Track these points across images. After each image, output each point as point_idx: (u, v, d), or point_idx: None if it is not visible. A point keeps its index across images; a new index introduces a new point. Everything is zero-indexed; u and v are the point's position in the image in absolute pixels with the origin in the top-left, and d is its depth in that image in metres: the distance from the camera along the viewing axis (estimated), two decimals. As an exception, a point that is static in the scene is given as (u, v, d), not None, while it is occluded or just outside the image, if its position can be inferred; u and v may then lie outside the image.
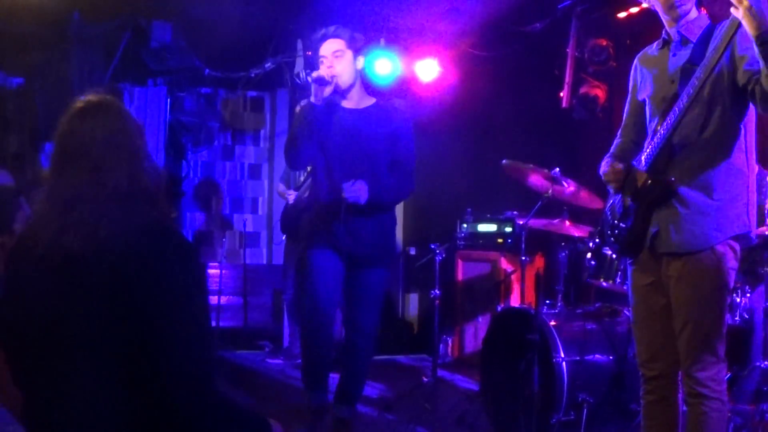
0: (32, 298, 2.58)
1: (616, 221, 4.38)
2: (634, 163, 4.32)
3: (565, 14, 8.16)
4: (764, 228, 5.74)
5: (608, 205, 4.52)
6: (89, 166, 2.63)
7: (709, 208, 4.06)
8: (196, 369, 2.53)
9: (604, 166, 4.44)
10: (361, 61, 5.78)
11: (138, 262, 2.50)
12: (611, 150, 4.59)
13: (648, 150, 4.21)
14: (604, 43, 7.88)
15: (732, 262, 4.10)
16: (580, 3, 7.87)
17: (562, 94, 8.00)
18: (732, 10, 3.75)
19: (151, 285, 2.49)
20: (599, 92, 7.98)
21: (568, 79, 7.97)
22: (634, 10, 4.20)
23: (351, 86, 5.74)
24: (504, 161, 6.37)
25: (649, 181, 4.18)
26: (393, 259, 6.97)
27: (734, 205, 4.10)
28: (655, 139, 4.15)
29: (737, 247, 4.13)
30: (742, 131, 4.13)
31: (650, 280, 4.25)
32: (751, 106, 4.09)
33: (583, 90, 8.03)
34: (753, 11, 3.65)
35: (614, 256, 5.37)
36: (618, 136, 4.65)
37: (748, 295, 5.72)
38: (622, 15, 7.81)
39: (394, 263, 9.28)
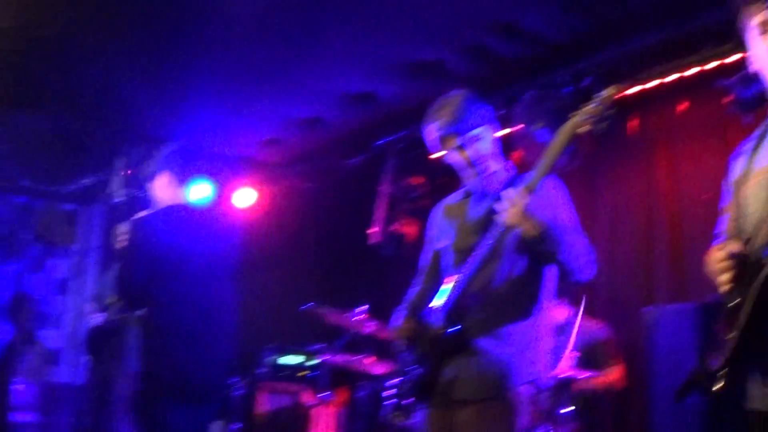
0: None
1: (410, 367, 4.24)
2: (430, 312, 4.20)
3: (382, 151, 8.18)
4: (562, 369, 5.76)
5: (403, 352, 4.36)
6: None
7: (501, 356, 3.99)
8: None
9: (397, 320, 4.35)
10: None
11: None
12: (408, 298, 4.50)
13: (444, 300, 4.11)
14: (418, 181, 7.87)
15: (525, 408, 4.01)
16: (397, 141, 7.92)
17: (374, 229, 7.91)
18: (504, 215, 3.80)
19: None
20: (410, 230, 7.93)
21: (380, 215, 7.89)
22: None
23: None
24: (307, 306, 6.50)
25: (444, 332, 4.07)
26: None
27: (526, 353, 4.04)
28: (451, 291, 4.08)
29: (530, 392, 4.05)
30: (540, 282, 4.11)
31: (442, 427, 4.10)
32: None
33: (394, 227, 7.96)
34: (528, 213, 3.74)
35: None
36: (415, 284, 4.57)
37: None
38: (437, 155, 7.81)
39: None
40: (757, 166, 2.90)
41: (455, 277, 4.10)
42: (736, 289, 2.65)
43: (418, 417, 4.19)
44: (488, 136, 4.26)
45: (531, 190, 3.79)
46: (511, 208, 3.76)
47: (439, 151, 4.30)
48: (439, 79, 6.91)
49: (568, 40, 6.50)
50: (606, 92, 3.72)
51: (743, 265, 2.64)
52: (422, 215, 5.72)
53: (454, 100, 4.22)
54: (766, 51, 2.69)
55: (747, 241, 2.71)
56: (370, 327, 6.29)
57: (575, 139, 3.80)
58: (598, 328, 6.57)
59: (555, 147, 3.81)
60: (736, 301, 2.61)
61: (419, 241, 7.85)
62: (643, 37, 6.31)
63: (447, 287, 4.14)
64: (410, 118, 7.61)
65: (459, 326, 4.05)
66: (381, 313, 6.97)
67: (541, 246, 3.84)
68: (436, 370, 4.10)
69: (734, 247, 2.68)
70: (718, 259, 2.70)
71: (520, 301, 4.08)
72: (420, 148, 7.75)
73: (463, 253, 4.12)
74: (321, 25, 6.23)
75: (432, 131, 4.23)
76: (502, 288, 4.07)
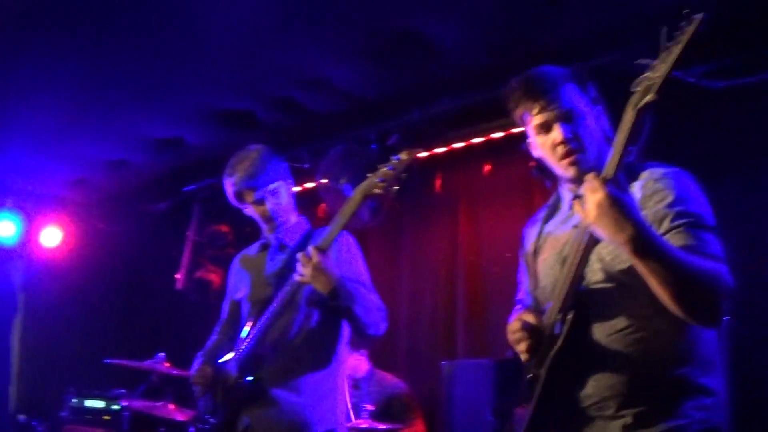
0: None
1: (206, 416, 4.22)
2: (227, 361, 4.20)
3: (189, 197, 8.07)
4: (359, 421, 5.77)
5: (202, 399, 4.32)
6: None
7: (297, 408, 4.01)
8: None
9: (194, 367, 4.33)
10: None
11: None
12: (206, 346, 4.49)
13: (241, 350, 4.13)
14: (224, 229, 7.83)
15: None
16: (204, 188, 7.80)
17: (179, 275, 7.78)
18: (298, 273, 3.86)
19: None
20: (215, 277, 7.86)
21: (185, 261, 7.81)
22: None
23: None
24: (107, 361, 6.34)
25: (240, 382, 4.08)
26: None
27: (323, 405, 4.07)
28: (248, 341, 4.09)
29: None
30: (337, 333, 4.17)
31: None
32: None
33: (199, 274, 7.87)
34: (321, 271, 3.80)
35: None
36: (214, 333, 4.58)
37: None
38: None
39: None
40: (548, 237, 3.03)
41: (251, 328, 4.11)
42: (532, 360, 2.77)
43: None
44: (284, 191, 4.33)
45: (323, 250, 3.85)
46: (305, 266, 3.81)
47: (238, 204, 4.33)
48: (248, 129, 6.90)
49: (376, 98, 6.57)
50: (402, 156, 3.82)
51: (538, 337, 2.76)
52: (227, 263, 5.71)
53: (251, 154, 4.27)
54: (543, 145, 2.92)
55: (544, 312, 2.82)
56: (171, 373, 6.19)
57: (372, 198, 3.87)
58: (396, 382, 6.60)
59: (348, 207, 3.90)
60: (530, 375, 2.74)
61: (222, 289, 7.81)
62: (451, 99, 6.44)
63: (243, 337, 4.14)
64: (218, 165, 7.52)
65: (253, 377, 4.05)
66: (184, 359, 6.84)
67: (335, 301, 3.88)
68: (231, 420, 4.07)
69: (528, 318, 2.79)
70: (512, 329, 2.83)
71: (317, 351, 4.12)
72: (226, 195, 7.73)
73: (259, 305, 4.15)
74: (127, 67, 6.08)
75: (229, 185, 4.26)
76: (298, 339, 4.10)
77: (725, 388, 2.70)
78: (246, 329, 4.17)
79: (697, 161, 5.68)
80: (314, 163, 6.80)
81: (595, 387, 2.66)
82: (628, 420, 2.61)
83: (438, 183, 7.12)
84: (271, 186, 4.25)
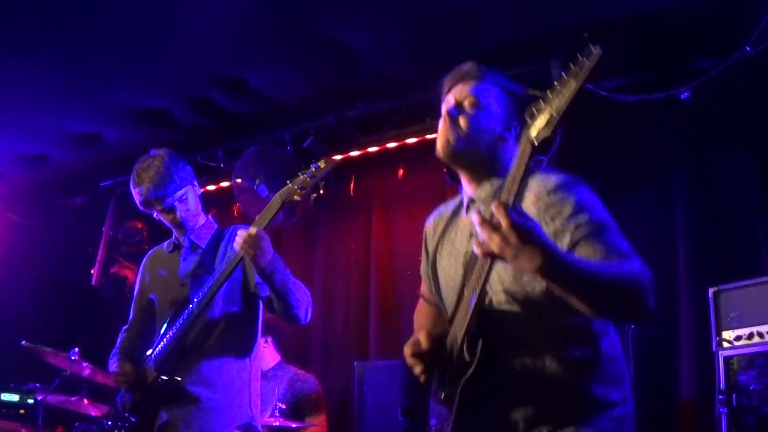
0: None
1: (126, 414, 4.20)
2: (146, 359, 4.20)
3: (106, 193, 7.95)
4: (272, 419, 5.71)
5: (119, 396, 4.33)
6: None
7: (215, 403, 4.05)
8: None
9: (112, 365, 4.32)
10: None
11: None
12: (118, 345, 4.50)
13: (158, 349, 4.13)
14: (139, 225, 7.73)
15: None
16: (120, 184, 7.67)
17: (93, 271, 7.63)
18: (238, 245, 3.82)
19: None
20: (129, 273, 7.76)
21: (100, 257, 7.71)
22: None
23: None
24: (23, 342, 6.18)
25: (159, 380, 4.07)
26: None
27: (239, 399, 4.12)
28: (165, 340, 4.10)
29: None
30: (255, 326, 4.23)
31: None
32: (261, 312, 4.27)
33: (114, 269, 7.76)
34: (260, 242, 3.79)
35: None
36: (124, 330, 4.58)
37: None
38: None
39: None
40: (446, 243, 2.98)
41: (168, 328, 4.11)
42: (438, 379, 2.78)
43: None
44: (192, 195, 4.30)
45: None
46: (245, 240, 3.77)
47: (146, 211, 4.32)
48: (164, 127, 6.84)
49: (292, 100, 6.56)
50: (320, 164, 3.83)
51: (438, 356, 2.75)
52: (141, 260, 5.66)
53: (155, 162, 4.21)
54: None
55: (435, 336, 2.80)
56: (85, 368, 6.14)
57: (291, 204, 3.87)
58: (306, 378, 6.54)
59: (267, 213, 3.88)
60: (443, 395, 2.72)
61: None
62: (366, 104, 6.43)
63: (161, 336, 4.14)
64: (134, 162, 7.43)
65: (170, 375, 4.04)
66: (98, 355, 6.71)
67: (272, 276, 3.87)
68: (150, 417, 4.06)
69: (422, 341, 2.76)
70: (406, 353, 2.80)
71: (234, 348, 4.14)
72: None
73: (175, 305, 4.16)
74: (47, 63, 5.96)
75: (136, 195, 4.25)
76: (215, 337, 4.11)
77: (632, 398, 2.70)
78: (163, 328, 4.16)
79: (607, 172, 5.80)
80: (229, 163, 6.75)
81: (506, 407, 2.67)
82: None
83: (352, 186, 7.08)
84: (179, 193, 4.21)
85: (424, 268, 3.18)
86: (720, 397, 4.33)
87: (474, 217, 2.24)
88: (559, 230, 2.56)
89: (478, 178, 2.84)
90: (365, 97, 6.39)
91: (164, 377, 4.06)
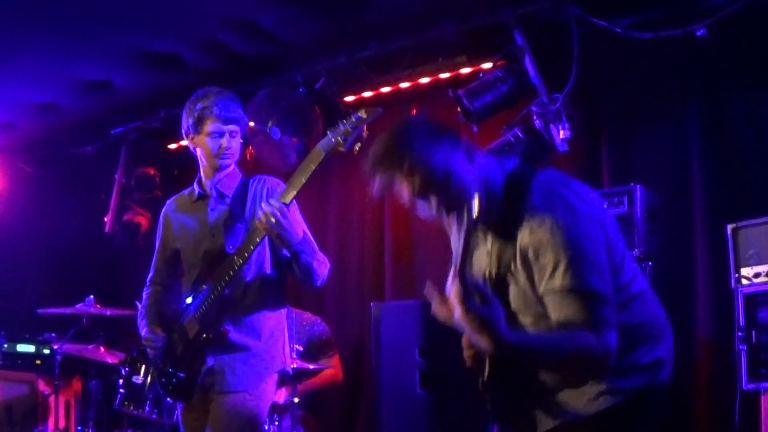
0: None
1: (170, 369, 4.21)
2: (185, 313, 4.22)
3: (117, 140, 7.89)
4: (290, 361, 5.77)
5: (156, 350, 4.30)
6: None
7: (259, 350, 4.14)
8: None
9: (142, 328, 4.36)
10: None
11: None
12: (145, 303, 4.48)
13: (198, 302, 4.15)
14: (152, 171, 7.65)
15: (272, 394, 4.26)
16: (132, 131, 7.65)
17: (106, 219, 7.62)
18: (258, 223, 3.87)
19: None
20: (143, 220, 7.73)
21: (113, 204, 7.68)
22: (184, 142, 4.22)
23: None
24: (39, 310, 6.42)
25: (204, 334, 4.10)
26: None
27: (276, 345, 4.22)
28: (205, 292, 4.11)
29: (276, 379, 4.29)
30: (284, 277, 4.27)
31: (198, 417, 4.18)
32: None
33: (127, 216, 7.74)
34: (287, 225, 3.84)
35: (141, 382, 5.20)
36: (148, 285, 4.54)
37: (276, 422, 5.89)
38: (173, 146, 7.72)
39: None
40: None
41: (205, 280, 4.13)
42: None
43: (153, 403, 4.38)
44: (239, 139, 4.26)
45: (286, 204, 3.86)
46: (270, 224, 3.80)
47: (192, 132, 4.20)
48: (175, 72, 6.77)
49: (304, 41, 6.45)
50: (361, 114, 3.88)
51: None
52: (154, 206, 5.65)
53: (224, 91, 4.21)
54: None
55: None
56: (103, 312, 6.21)
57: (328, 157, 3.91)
58: (315, 320, 6.57)
59: (310, 164, 3.89)
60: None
61: (150, 232, 7.72)
62: (378, 44, 6.34)
63: (197, 288, 4.17)
64: (146, 107, 7.42)
65: (213, 328, 4.07)
66: (112, 301, 6.73)
67: (298, 257, 3.96)
68: (192, 369, 4.12)
69: None
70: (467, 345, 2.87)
71: (271, 295, 4.20)
72: (154, 138, 7.60)
73: (208, 255, 4.17)
74: (55, 9, 5.87)
75: (195, 110, 4.14)
76: (254, 285, 4.15)
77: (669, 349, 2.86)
78: (198, 280, 4.18)
79: (622, 110, 5.75)
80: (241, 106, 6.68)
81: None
82: None
83: (364, 127, 6.99)
84: (233, 127, 4.18)
85: None
86: (739, 334, 4.32)
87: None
88: (541, 271, 2.64)
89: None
90: (377, 36, 6.28)
91: (210, 331, 4.08)
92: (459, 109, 5.74)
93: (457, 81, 6.13)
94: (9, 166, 8.82)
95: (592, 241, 2.63)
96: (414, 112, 6.78)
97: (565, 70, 5.45)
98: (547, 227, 2.61)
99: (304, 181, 3.88)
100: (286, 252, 4.05)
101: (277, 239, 3.91)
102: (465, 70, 6.08)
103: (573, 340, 2.58)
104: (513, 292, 2.76)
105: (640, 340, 2.74)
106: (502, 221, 2.73)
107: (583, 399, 2.72)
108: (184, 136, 4.30)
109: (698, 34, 5.15)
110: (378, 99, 6.66)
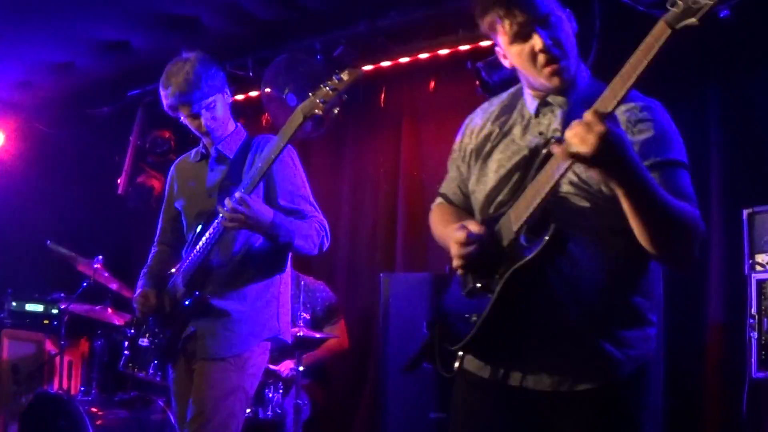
0: None
1: (157, 329, 4.26)
2: (173, 277, 4.24)
3: (133, 102, 7.88)
4: (296, 329, 5.76)
5: (143, 314, 4.31)
6: None
7: (241, 315, 4.06)
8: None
9: (139, 286, 4.36)
10: None
11: None
12: (149, 263, 4.48)
13: (186, 264, 4.15)
14: (167, 135, 7.65)
15: (262, 363, 4.18)
16: (148, 93, 7.58)
17: (120, 181, 7.61)
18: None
19: None
20: (156, 183, 7.73)
21: (127, 166, 7.69)
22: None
23: None
24: (48, 243, 6.27)
25: (187, 296, 4.11)
26: None
27: (266, 311, 4.14)
28: (193, 253, 4.10)
29: (269, 347, 4.20)
30: (271, 248, 4.15)
31: (185, 383, 4.14)
32: None
33: (140, 179, 7.74)
34: (251, 220, 3.82)
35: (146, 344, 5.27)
36: (155, 244, 4.56)
37: (281, 391, 5.88)
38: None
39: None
40: (503, 138, 2.80)
41: (196, 241, 4.12)
42: (477, 272, 2.61)
43: (158, 367, 4.32)
44: (221, 104, 4.21)
45: (248, 193, 3.85)
46: (233, 220, 3.81)
47: (173, 115, 4.26)
48: (193, 35, 6.68)
49: (323, 8, 6.38)
50: (343, 76, 3.71)
51: (484, 250, 2.57)
52: (168, 170, 5.67)
53: (185, 66, 4.10)
54: (519, 54, 2.63)
55: (484, 222, 2.66)
56: (108, 280, 6.24)
57: (313, 118, 3.80)
58: (321, 286, 6.55)
59: (289, 128, 3.80)
60: (479, 284, 2.58)
61: (163, 196, 7.71)
62: (399, 13, 6.28)
63: (188, 250, 4.17)
64: (162, 70, 7.36)
65: (199, 290, 4.07)
66: (122, 264, 6.73)
67: (275, 241, 3.96)
68: (180, 333, 4.12)
69: (475, 229, 2.57)
70: (458, 239, 2.58)
71: (259, 262, 4.15)
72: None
73: (202, 217, 4.15)
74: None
75: (164, 98, 4.17)
76: (243, 250, 4.12)
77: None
78: (190, 241, 4.19)
79: (642, 89, 5.68)
80: (259, 72, 6.64)
81: (554, 304, 2.56)
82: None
83: (382, 97, 6.98)
84: (206, 101, 4.13)
85: (455, 164, 3.00)
86: (751, 321, 4.28)
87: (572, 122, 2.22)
88: (641, 148, 2.48)
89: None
90: (397, 5, 6.23)
91: (192, 293, 4.08)
92: (477, 82, 5.69)
93: (476, 53, 6.04)
94: (24, 126, 8.82)
95: None
96: (432, 83, 6.76)
97: (585, 46, 5.39)
98: (652, 116, 2.59)
99: (282, 145, 3.82)
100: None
101: (248, 230, 3.92)
102: (485, 43, 6.01)
103: (686, 204, 2.46)
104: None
105: (651, 293, 2.65)
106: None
107: (594, 362, 2.56)
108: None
109: (722, 15, 5.06)
110: (396, 69, 6.61)
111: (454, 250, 2.59)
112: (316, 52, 6.44)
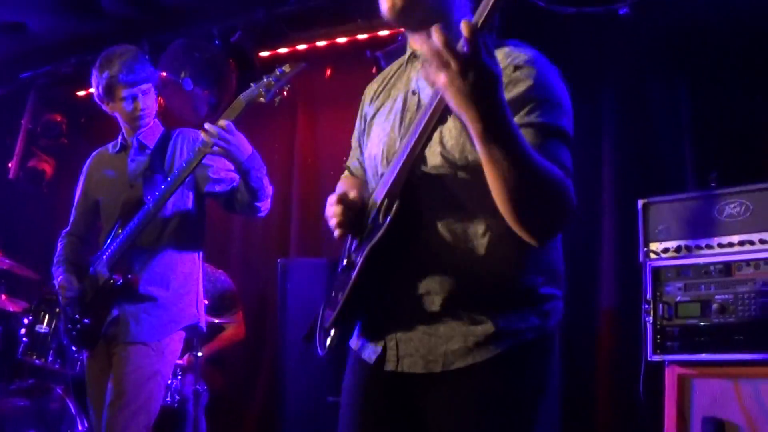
0: None
1: (77, 316, 4.23)
2: (96, 262, 4.25)
3: (25, 85, 7.66)
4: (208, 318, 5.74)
5: (68, 299, 4.30)
6: None
7: (166, 301, 4.19)
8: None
9: (57, 275, 4.36)
10: None
11: None
12: (60, 252, 4.50)
13: (110, 250, 4.19)
14: (59, 118, 7.49)
15: (178, 350, 4.29)
16: (42, 76, 7.43)
17: (10, 165, 7.44)
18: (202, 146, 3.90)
19: None
20: (47, 167, 7.55)
21: (18, 150, 7.49)
22: (93, 90, 4.22)
23: None
24: None
25: (113, 280, 4.15)
26: None
27: (187, 298, 4.27)
28: (118, 241, 4.15)
29: (184, 336, 4.31)
30: (199, 230, 4.40)
31: (103, 367, 4.18)
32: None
33: (31, 163, 7.55)
34: (237, 137, 3.90)
35: (45, 331, 5.29)
36: (64, 236, 4.57)
37: (179, 377, 5.87)
38: (81, 93, 7.49)
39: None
40: (388, 95, 2.63)
41: (121, 228, 4.18)
42: (349, 244, 2.50)
43: (56, 354, 4.63)
44: (152, 95, 4.34)
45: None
46: (220, 136, 3.85)
47: (104, 98, 4.30)
48: (92, 17, 6.64)
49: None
50: (285, 68, 3.94)
51: (358, 216, 2.44)
52: (60, 153, 5.58)
53: (127, 52, 4.26)
54: None
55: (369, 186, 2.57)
56: (2, 262, 6.04)
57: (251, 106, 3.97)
58: (221, 276, 6.51)
59: (230, 114, 3.94)
60: (345, 261, 2.48)
61: (56, 179, 7.55)
62: (298, 1, 6.26)
63: (113, 238, 4.21)
64: (58, 53, 7.21)
65: (123, 275, 4.15)
66: (14, 248, 6.56)
67: (250, 174, 4.00)
68: (103, 318, 4.16)
69: (349, 193, 2.45)
70: (330, 202, 2.46)
71: (186, 245, 4.30)
72: (64, 85, 7.41)
73: (126, 206, 4.21)
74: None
75: (102, 79, 4.22)
76: (168, 238, 4.23)
77: (563, 297, 2.56)
78: (114, 229, 4.22)
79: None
80: (155, 56, 6.53)
81: (418, 278, 2.34)
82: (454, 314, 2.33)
83: (287, 81, 6.91)
84: (145, 85, 4.25)
85: (356, 134, 2.84)
86: (646, 306, 4.38)
87: (434, 36, 1.86)
88: (513, 105, 2.15)
89: (425, 34, 2.38)
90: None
91: (119, 277, 4.12)
92: (375, 70, 5.70)
93: (374, 42, 6.07)
94: None
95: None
96: (329, 71, 6.75)
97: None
98: (524, 70, 2.29)
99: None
100: (213, 186, 4.20)
101: (226, 156, 3.92)
102: (383, 33, 6.03)
103: (557, 169, 2.13)
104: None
105: (543, 266, 2.39)
106: None
107: (468, 339, 2.31)
108: (98, 101, 4.37)
109: (621, 12, 5.17)
110: (294, 56, 6.58)
111: (326, 210, 2.48)
112: (214, 38, 6.37)
